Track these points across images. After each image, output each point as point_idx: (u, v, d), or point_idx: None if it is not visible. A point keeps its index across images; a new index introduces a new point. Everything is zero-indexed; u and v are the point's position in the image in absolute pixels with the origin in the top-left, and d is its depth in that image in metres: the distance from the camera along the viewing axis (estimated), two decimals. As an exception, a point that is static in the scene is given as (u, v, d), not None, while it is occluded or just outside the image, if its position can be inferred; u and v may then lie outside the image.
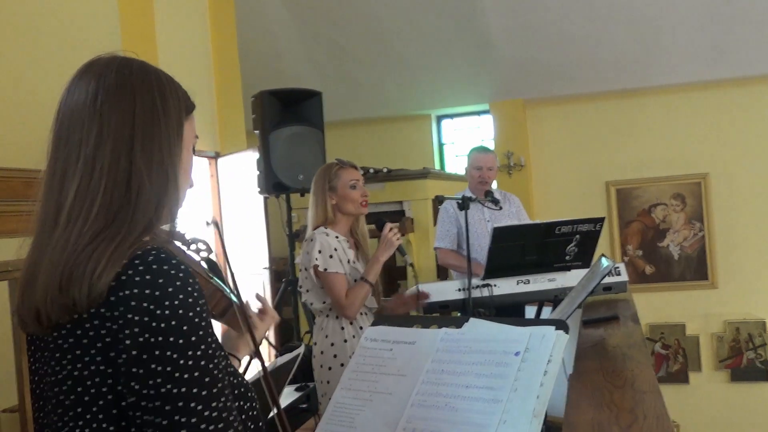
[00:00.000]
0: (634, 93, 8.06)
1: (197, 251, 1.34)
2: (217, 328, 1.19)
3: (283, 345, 5.76)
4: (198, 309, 1.07)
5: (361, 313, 3.14)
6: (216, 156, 6.49)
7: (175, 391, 1.03)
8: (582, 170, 8.27)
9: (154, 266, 1.06)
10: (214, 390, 1.06)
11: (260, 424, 1.25)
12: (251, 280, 6.14)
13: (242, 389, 1.21)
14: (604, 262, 2.54)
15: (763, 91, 7.81)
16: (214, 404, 1.05)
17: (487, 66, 8.04)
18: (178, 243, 1.28)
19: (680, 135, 8.04)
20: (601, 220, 3.44)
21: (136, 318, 1.03)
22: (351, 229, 3.24)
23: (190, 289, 1.07)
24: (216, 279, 1.36)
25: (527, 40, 7.66)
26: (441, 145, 9.33)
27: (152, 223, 1.13)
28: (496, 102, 8.44)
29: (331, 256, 3.03)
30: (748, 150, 7.88)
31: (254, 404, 1.24)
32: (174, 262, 1.08)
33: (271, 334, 5.66)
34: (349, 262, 3.11)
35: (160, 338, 1.03)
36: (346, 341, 3.07)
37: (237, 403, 1.16)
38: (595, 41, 7.52)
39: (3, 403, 3.20)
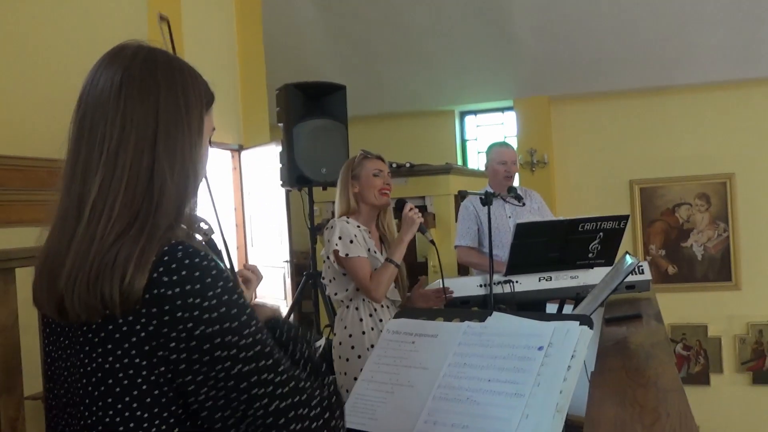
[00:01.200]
0: (659, 91, 7.98)
1: (200, 231, 1.36)
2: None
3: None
4: (238, 291, 1.12)
5: (383, 306, 3.12)
6: (239, 149, 6.52)
7: (245, 369, 1.09)
8: (606, 168, 8.21)
9: (186, 261, 1.08)
10: (276, 356, 1.13)
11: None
12: (272, 273, 6.17)
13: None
14: (629, 259, 2.52)
15: (791, 92, 7.72)
16: (281, 368, 1.12)
17: (512, 62, 8.00)
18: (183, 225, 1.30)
19: (706, 134, 7.95)
20: (626, 217, 3.41)
21: (186, 315, 1.07)
22: (377, 222, 3.23)
23: (224, 275, 1.11)
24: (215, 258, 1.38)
25: (553, 37, 7.61)
26: (464, 141, 9.30)
27: (173, 223, 1.14)
28: (520, 98, 8.40)
29: (351, 241, 3.02)
30: (774, 150, 7.79)
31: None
32: (202, 253, 1.11)
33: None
34: (369, 250, 3.09)
35: (216, 327, 1.08)
36: (364, 333, 3.06)
37: None
38: (622, 38, 7.46)
39: (27, 389, 3.23)
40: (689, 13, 7.15)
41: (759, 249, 7.83)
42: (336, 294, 3.15)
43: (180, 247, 1.09)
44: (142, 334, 1.08)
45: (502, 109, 9.04)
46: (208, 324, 1.07)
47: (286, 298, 6.01)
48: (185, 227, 1.18)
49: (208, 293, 1.07)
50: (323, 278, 3.22)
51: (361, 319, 3.09)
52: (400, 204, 3.17)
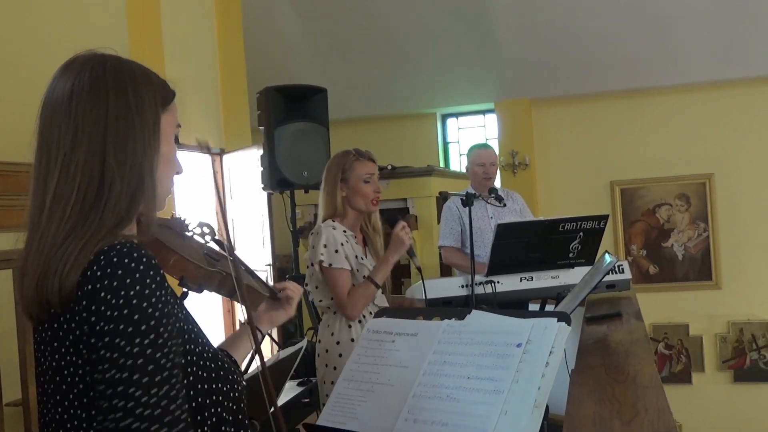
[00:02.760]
0: (639, 93, 8.05)
1: (202, 235, 1.37)
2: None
3: (285, 342, 5.76)
4: (154, 300, 1.09)
5: (371, 312, 2.94)
6: (221, 152, 6.50)
7: (117, 376, 1.06)
8: (587, 170, 8.26)
9: (115, 260, 1.09)
10: (157, 378, 1.08)
11: (242, 405, 1.29)
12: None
13: (222, 371, 1.25)
14: (608, 258, 2.54)
15: (768, 92, 7.80)
16: (154, 391, 1.07)
17: (493, 65, 8.04)
18: (176, 229, 1.31)
19: (685, 135, 8.02)
20: (605, 217, 3.43)
21: (94, 308, 1.07)
22: (362, 224, 3.08)
23: (148, 280, 1.09)
24: (221, 262, 1.38)
25: (533, 39, 7.66)
26: (446, 144, 9.33)
27: (123, 219, 1.16)
28: (501, 101, 8.44)
29: (336, 251, 2.87)
30: (753, 150, 7.86)
31: (236, 386, 1.27)
32: (136, 255, 1.10)
33: (274, 331, 5.66)
34: (357, 257, 2.95)
35: (111, 326, 1.07)
36: (353, 340, 2.88)
37: (216, 386, 1.21)
38: (602, 41, 7.51)
39: (8, 396, 3.19)
40: (669, 16, 7.21)
41: (739, 248, 7.91)
42: (321, 301, 3.00)
43: (118, 246, 1.10)
44: (77, 332, 1.10)
45: (484, 112, 9.07)
46: (107, 321, 1.07)
47: (268, 301, 5.98)
48: (143, 225, 1.20)
49: (120, 292, 1.07)
50: (306, 284, 3.04)
51: (350, 326, 2.92)
52: (393, 221, 2.98)
